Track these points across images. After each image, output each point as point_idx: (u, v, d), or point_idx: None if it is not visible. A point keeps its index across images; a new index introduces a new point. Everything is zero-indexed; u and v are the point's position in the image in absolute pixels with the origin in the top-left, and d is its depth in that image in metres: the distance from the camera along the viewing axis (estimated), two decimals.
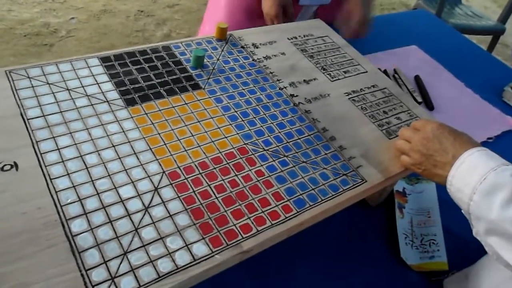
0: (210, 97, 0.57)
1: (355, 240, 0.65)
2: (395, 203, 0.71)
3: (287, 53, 0.69)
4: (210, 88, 0.58)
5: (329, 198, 0.49)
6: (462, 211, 0.50)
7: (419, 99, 0.96)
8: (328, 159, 0.53)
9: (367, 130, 0.59)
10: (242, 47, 0.67)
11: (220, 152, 0.50)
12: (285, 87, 0.62)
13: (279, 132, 0.55)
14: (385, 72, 1.01)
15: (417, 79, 1.04)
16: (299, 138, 0.55)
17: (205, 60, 0.62)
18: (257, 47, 0.68)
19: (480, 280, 0.56)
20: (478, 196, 0.46)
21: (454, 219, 0.73)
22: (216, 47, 0.65)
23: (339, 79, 0.67)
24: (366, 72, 0.70)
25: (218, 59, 0.63)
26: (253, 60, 0.65)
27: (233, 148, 0.51)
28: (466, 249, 0.68)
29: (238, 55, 0.65)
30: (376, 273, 0.62)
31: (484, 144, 0.92)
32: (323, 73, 0.67)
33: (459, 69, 1.15)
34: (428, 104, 0.97)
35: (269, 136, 0.54)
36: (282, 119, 0.57)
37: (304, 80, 0.64)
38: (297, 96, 0.61)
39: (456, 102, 1.01)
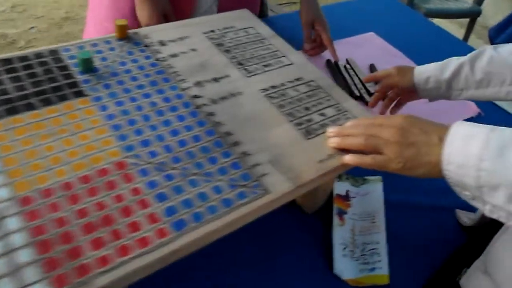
0: (93, 105, 0.49)
1: (286, 253, 0.58)
2: (333, 209, 0.63)
3: (199, 49, 0.61)
4: (96, 94, 0.51)
5: (219, 216, 0.41)
6: (465, 194, 0.43)
7: (372, 90, 0.88)
8: (226, 168, 0.46)
9: (281, 130, 0.52)
10: (146, 45, 0.59)
11: (91, 169, 0.43)
12: (188, 88, 0.54)
13: (171, 141, 0.47)
14: (335, 63, 0.94)
15: (371, 68, 0.96)
16: (194, 146, 0.47)
17: (97, 63, 0.54)
18: (164, 45, 0.60)
19: (503, 263, 0.50)
20: (488, 162, 0.40)
21: (399, 223, 0.66)
22: (115, 47, 0.58)
23: (256, 74, 0.59)
24: (292, 64, 0.63)
25: (113, 61, 0.56)
26: (156, 59, 0.58)
27: (109, 163, 0.44)
28: (410, 258, 0.61)
29: (139, 55, 0.58)
30: None
31: None
32: (239, 68, 0.60)
33: (422, 55, 1.07)
34: None
35: (157, 146, 0.46)
36: (177, 125, 0.49)
37: (214, 78, 0.57)
38: (201, 97, 0.54)
39: None
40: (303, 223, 0.62)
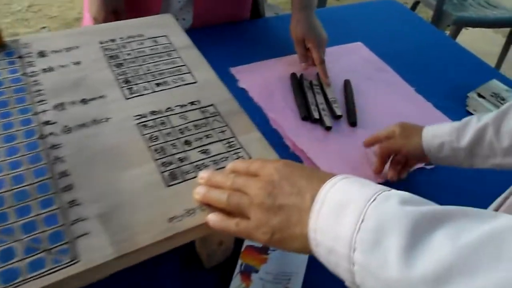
0: None
1: None
2: (237, 266, 0.51)
3: (84, 62, 0.51)
4: None
5: None
6: (346, 283, 0.31)
7: (339, 112, 0.74)
8: (37, 223, 0.35)
9: (138, 172, 0.40)
10: (20, 56, 0.50)
11: None
12: (44, 111, 0.44)
13: None
14: (300, 77, 0.80)
15: (346, 85, 0.81)
16: (8, 191, 0.37)
17: None
18: (43, 56, 0.51)
19: None
20: (360, 253, 0.28)
21: None
22: None
23: (141, 95, 0.48)
24: (194, 83, 0.51)
25: None
26: (23, 74, 0.48)
27: None
28: None
29: (4, 68, 0.48)
30: None
31: (420, 172, 0.68)
32: (122, 87, 0.49)
33: (418, 70, 0.91)
34: (351, 117, 0.74)
35: None
36: (3, 160, 0.39)
37: (83, 100, 0.47)
38: (54, 123, 0.43)
39: (396, 113, 0.76)
40: (194, 281, 0.50)
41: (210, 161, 0.43)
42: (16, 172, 0.39)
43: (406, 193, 0.29)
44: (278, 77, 0.81)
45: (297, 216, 0.33)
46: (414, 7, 1.91)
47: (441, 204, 0.29)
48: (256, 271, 0.51)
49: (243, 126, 0.47)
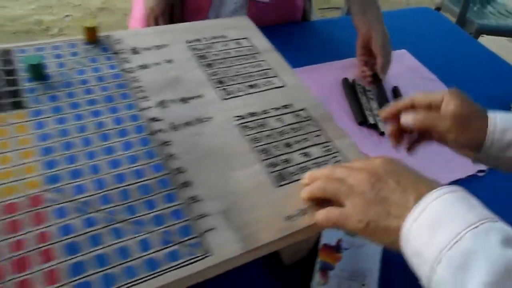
0: (30, 120, 0.42)
1: None
2: (316, 264, 0.53)
3: (176, 61, 0.53)
4: (37, 107, 0.44)
5: (135, 282, 0.33)
6: (422, 283, 0.33)
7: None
8: (165, 217, 0.37)
9: (247, 173, 0.42)
10: (115, 52, 0.52)
11: None
12: (148, 108, 0.46)
13: (107, 174, 0.39)
14: (353, 83, 0.82)
15: (395, 91, 0.83)
16: (132, 183, 0.39)
17: (52, 69, 0.48)
18: (136, 53, 0.52)
19: None
20: (444, 268, 0.29)
21: None
22: (79, 52, 0.51)
23: (236, 96, 0.50)
24: (283, 87, 0.53)
25: (71, 68, 0.49)
26: (121, 70, 0.50)
27: (23, 196, 0.36)
28: None
29: (103, 63, 0.50)
30: None
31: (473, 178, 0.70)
32: (217, 87, 0.51)
33: (462, 80, 0.93)
34: None
35: (88, 179, 0.38)
36: (121, 154, 0.41)
37: (182, 98, 0.48)
38: (161, 120, 0.45)
39: None
40: (276, 278, 0.52)
41: (312, 163, 0.45)
42: (135, 166, 0.40)
43: None
44: (331, 82, 0.83)
45: (398, 211, 0.34)
46: None
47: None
48: (332, 268, 0.53)
49: (335, 131, 0.49)
